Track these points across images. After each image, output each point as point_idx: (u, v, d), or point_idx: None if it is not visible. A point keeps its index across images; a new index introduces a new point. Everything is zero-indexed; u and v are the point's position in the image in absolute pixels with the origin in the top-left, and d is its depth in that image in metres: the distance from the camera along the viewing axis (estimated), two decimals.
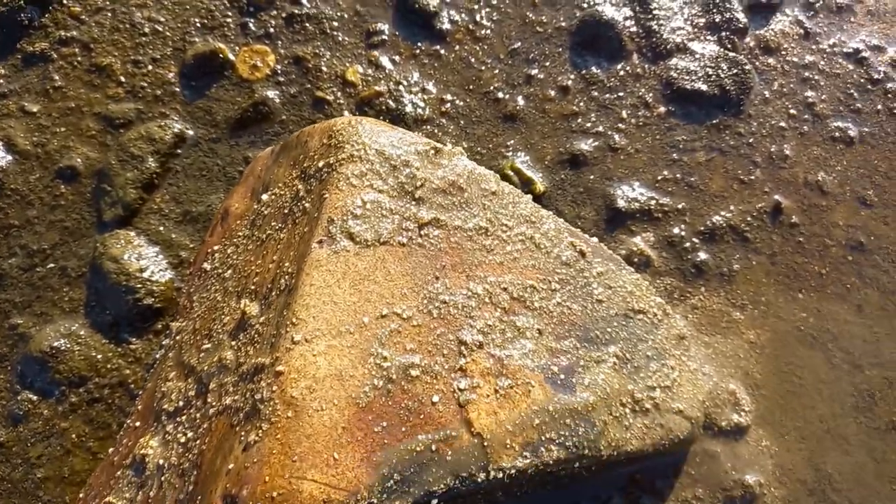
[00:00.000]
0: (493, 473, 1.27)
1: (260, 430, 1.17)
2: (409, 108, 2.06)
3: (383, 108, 2.07)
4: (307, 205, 1.44)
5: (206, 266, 1.69)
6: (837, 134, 2.08)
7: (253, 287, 1.45)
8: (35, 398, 1.77)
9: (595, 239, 1.71)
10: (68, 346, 1.81)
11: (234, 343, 1.39)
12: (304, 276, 1.30)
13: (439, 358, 1.34)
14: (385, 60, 2.13)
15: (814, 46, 2.20)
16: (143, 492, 1.34)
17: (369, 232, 1.39)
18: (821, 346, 1.83)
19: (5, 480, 1.69)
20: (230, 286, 1.54)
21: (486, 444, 1.27)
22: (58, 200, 1.95)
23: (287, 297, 1.31)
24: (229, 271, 1.57)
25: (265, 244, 1.51)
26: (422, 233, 1.44)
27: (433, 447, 1.23)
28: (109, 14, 2.16)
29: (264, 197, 1.63)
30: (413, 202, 1.46)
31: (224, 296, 1.53)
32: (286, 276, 1.35)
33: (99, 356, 1.80)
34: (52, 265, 1.90)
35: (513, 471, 1.29)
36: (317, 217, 1.37)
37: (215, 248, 1.71)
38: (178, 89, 2.08)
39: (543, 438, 1.35)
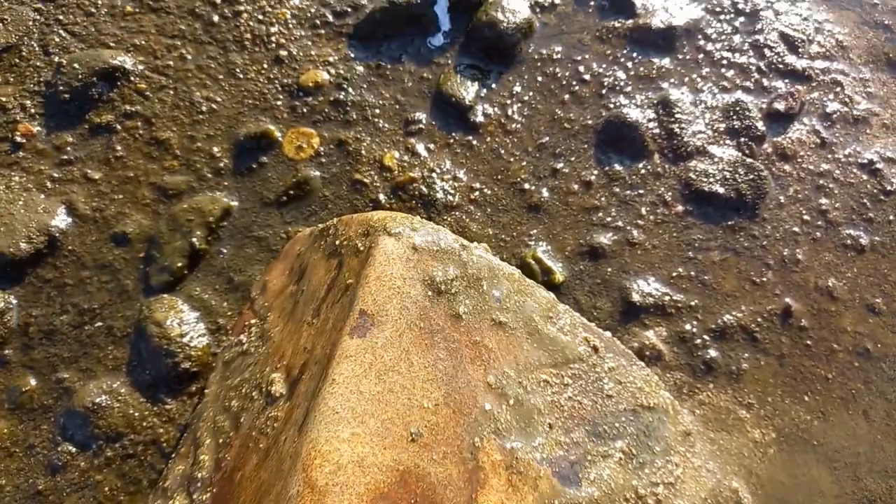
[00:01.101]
0: None
1: None
2: (440, 195, 2.20)
3: (416, 193, 2.21)
4: (341, 296, 1.56)
5: (243, 338, 1.82)
6: (849, 241, 2.16)
7: (285, 366, 1.57)
8: (74, 450, 1.89)
9: (608, 333, 1.81)
10: (109, 402, 1.93)
11: (262, 420, 1.50)
12: (334, 365, 1.42)
13: (454, 448, 1.43)
14: (420, 148, 2.29)
15: (829, 155, 2.30)
16: None
17: (397, 325, 1.50)
18: (824, 451, 1.88)
19: None
20: (264, 362, 1.66)
21: None
22: (110, 263, 2.10)
23: (318, 384, 1.42)
24: (263, 347, 1.70)
25: (300, 327, 1.64)
26: (445, 326, 1.55)
27: None
28: (171, 92, 2.36)
29: (302, 280, 1.76)
30: (438, 296, 1.58)
31: (257, 370, 1.65)
32: (316, 365, 1.47)
33: (136, 414, 1.92)
34: (99, 324, 2.04)
35: None
36: (349, 309, 1.50)
37: (252, 321, 1.84)
38: (228, 165, 2.25)
39: None
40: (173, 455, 1.78)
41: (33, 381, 1.96)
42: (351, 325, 1.47)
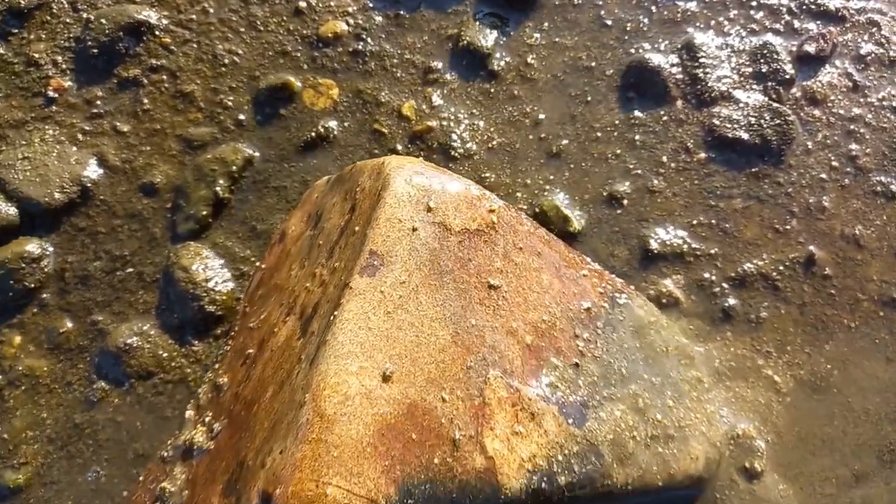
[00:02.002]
0: (502, 498, 1.38)
1: (295, 437, 1.33)
2: (457, 144, 2.20)
3: (434, 141, 2.22)
4: (353, 237, 1.60)
5: (265, 283, 1.88)
6: (879, 188, 2.10)
7: (299, 307, 1.62)
8: (108, 387, 2.00)
9: (621, 281, 1.81)
10: (140, 343, 2.03)
11: (277, 356, 1.57)
12: (344, 302, 1.46)
13: (460, 384, 1.46)
14: (439, 97, 2.28)
15: (861, 99, 2.22)
16: (191, 472, 1.53)
17: (406, 265, 1.53)
18: (844, 399, 1.86)
19: (77, 458, 1.92)
20: (280, 302, 1.72)
21: (497, 467, 1.39)
22: (139, 212, 2.18)
23: (328, 321, 1.46)
24: (283, 291, 1.75)
25: (313, 269, 1.68)
26: (454, 268, 1.58)
27: (448, 468, 1.36)
28: (195, 45, 2.40)
29: (318, 225, 1.81)
30: (449, 241, 1.60)
31: (274, 312, 1.71)
32: (329, 303, 1.51)
33: (165, 354, 2.01)
34: (130, 270, 2.13)
35: (522, 496, 1.40)
36: (360, 250, 1.53)
37: (271, 266, 1.90)
38: (249, 116, 2.29)
39: (553, 466, 1.46)
40: (197, 389, 1.87)
41: (70, 323, 2.07)
42: (361, 265, 1.51)
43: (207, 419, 1.63)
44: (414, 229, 1.58)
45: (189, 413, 1.73)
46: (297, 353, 1.52)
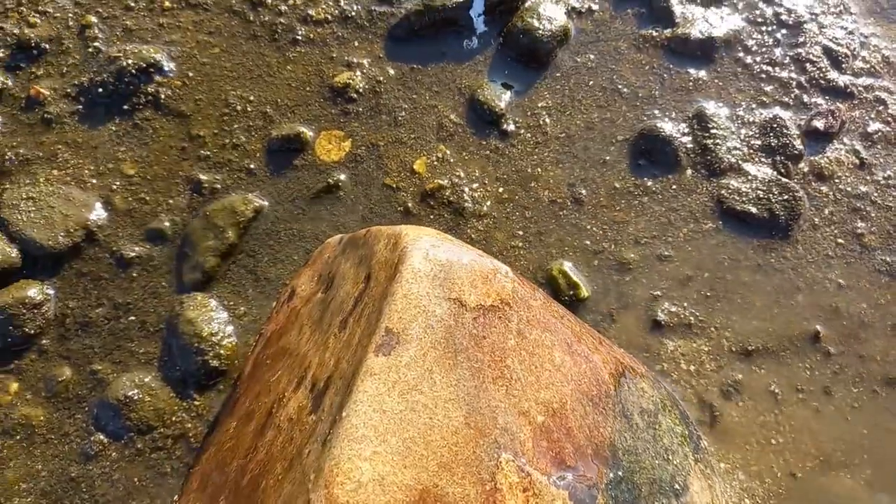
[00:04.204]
0: None
1: None
2: (468, 203, 2.20)
3: (445, 199, 2.22)
4: (368, 311, 1.59)
5: (272, 344, 1.86)
6: (883, 268, 2.12)
7: (311, 378, 1.61)
8: (106, 440, 1.96)
9: (630, 357, 1.81)
10: (140, 395, 2.00)
11: (287, 429, 1.55)
12: (358, 382, 1.45)
13: (472, 468, 1.45)
14: (451, 154, 2.29)
15: (868, 177, 2.25)
16: None
17: (421, 344, 1.52)
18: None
19: None
20: (290, 369, 1.70)
21: None
22: (145, 259, 2.16)
23: (342, 400, 1.45)
24: (292, 356, 1.74)
25: (326, 338, 1.67)
26: (469, 346, 1.57)
27: None
28: (206, 90, 2.39)
29: (330, 289, 1.79)
30: (464, 317, 1.59)
31: (284, 378, 1.70)
32: (341, 380, 1.50)
33: (165, 408, 1.98)
34: (133, 318, 2.10)
35: None
36: (375, 326, 1.52)
37: (280, 326, 1.88)
38: (260, 165, 2.28)
39: None
40: (199, 451, 1.84)
41: (69, 372, 2.03)
42: (376, 343, 1.50)
43: (210, 491, 1.60)
44: (430, 306, 1.57)
45: (193, 483, 1.71)
46: (308, 429, 1.50)
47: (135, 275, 2.14)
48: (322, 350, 1.66)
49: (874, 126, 2.32)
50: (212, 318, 2.07)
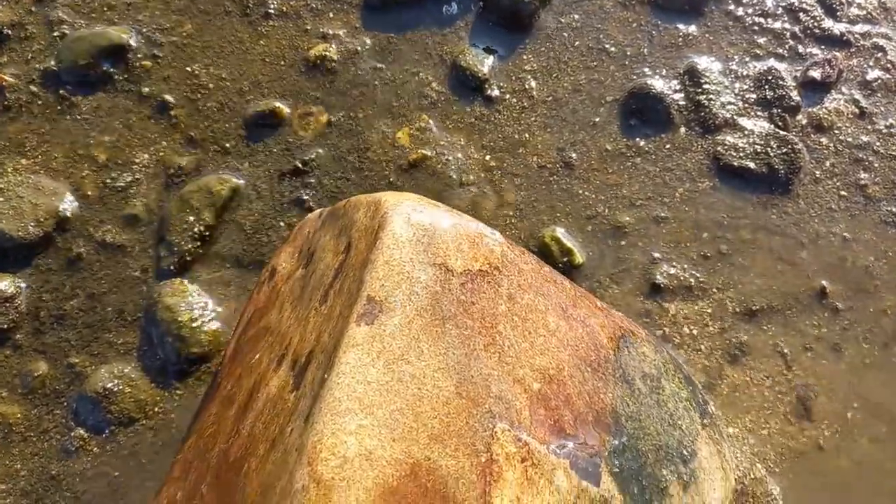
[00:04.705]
0: None
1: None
2: (454, 173, 2.11)
3: (430, 170, 2.13)
4: (349, 281, 1.50)
5: (253, 324, 1.77)
6: (890, 218, 2.03)
7: (292, 355, 1.52)
8: (86, 435, 1.88)
9: (629, 320, 1.72)
10: (120, 387, 1.91)
11: (268, 409, 1.46)
12: (340, 353, 1.36)
13: (466, 439, 1.37)
14: (435, 123, 2.20)
15: (869, 126, 2.16)
16: None
17: (406, 311, 1.43)
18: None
19: None
20: (271, 348, 1.61)
21: None
22: (119, 246, 2.06)
23: (323, 374, 1.36)
24: (273, 335, 1.65)
25: (307, 314, 1.58)
26: (457, 312, 1.48)
27: None
28: (178, 69, 2.29)
29: (310, 264, 1.70)
30: (451, 283, 1.50)
31: (265, 358, 1.61)
32: (323, 354, 1.41)
33: (147, 399, 1.90)
34: (109, 308, 2.01)
35: None
36: (356, 295, 1.43)
37: (261, 306, 1.79)
38: (236, 143, 2.19)
39: None
40: (182, 440, 1.75)
41: (45, 366, 1.95)
42: (358, 312, 1.41)
43: (192, 478, 1.52)
44: (414, 272, 1.48)
45: (175, 472, 1.62)
46: (290, 407, 1.41)
47: (110, 263, 2.05)
48: (303, 326, 1.57)
49: (873, 74, 2.23)
50: (191, 303, 1.98)
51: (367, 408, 1.32)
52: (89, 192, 2.13)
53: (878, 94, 2.21)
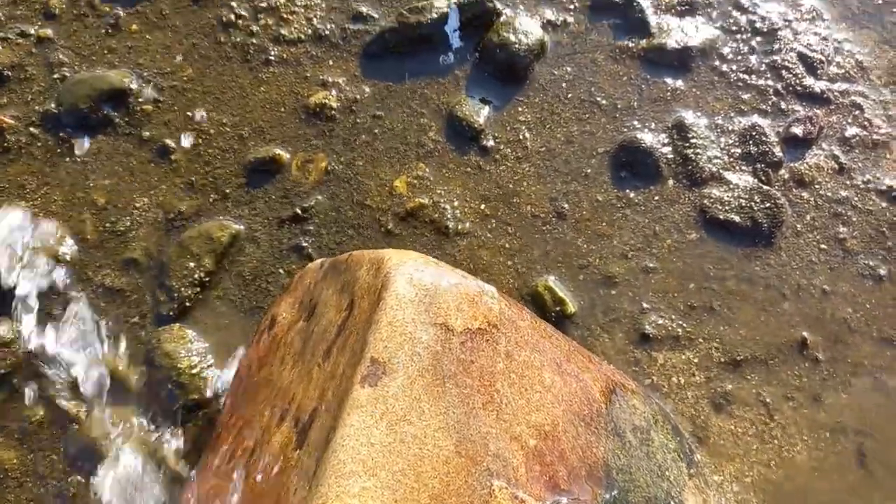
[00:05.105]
0: None
1: None
2: (450, 222, 2.17)
3: (426, 218, 2.18)
4: (352, 340, 1.54)
5: (253, 375, 1.80)
6: (867, 272, 2.12)
7: (295, 412, 1.55)
8: (84, 481, 1.89)
9: (620, 373, 1.78)
10: (118, 433, 1.93)
11: (271, 467, 1.49)
12: (344, 415, 1.40)
13: (465, 499, 1.41)
14: (431, 172, 2.25)
15: (847, 182, 2.26)
16: None
17: (408, 372, 1.48)
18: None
19: None
20: (273, 403, 1.65)
21: None
22: (118, 291, 2.09)
23: (328, 434, 1.40)
24: (274, 389, 1.68)
25: (310, 369, 1.62)
26: (457, 372, 1.53)
27: None
28: (178, 114, 2.33)
29: (312, 318, 1.75)
30: (451, 343, 1.55)
31: (267, 412, 1.64)
32: (327, 413, 1.45)
33: (145, 446, 1.92)
34: (107, 352, 2.03)
35: None
36: (360, 355, 1.48)
37: (261, 356, 1.83)
38: (235, 189, 2.23)
39: None
40: (180, 495, 1.78)
41: (42, 411, 1.96)
42: (362, 374, 1.45)
43: None
44: (416, 333, 1.53)
45: None
46: (293, 466, 1.45)
47: (108, 307, 2.08)
48: (306, 381, 1.61)
49: (851, 130, 2.33)
50: (190, 349, 2.00)
51: (371, 469, 1.36)
52: (89, 236, 2.16)
53: (856, 151, 2.31)
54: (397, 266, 1.61)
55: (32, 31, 2.43)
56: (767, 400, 1.95)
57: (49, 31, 2.44)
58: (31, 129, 2.29)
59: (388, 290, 1.57)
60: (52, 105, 2.31)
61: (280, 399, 1.65)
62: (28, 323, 1.99)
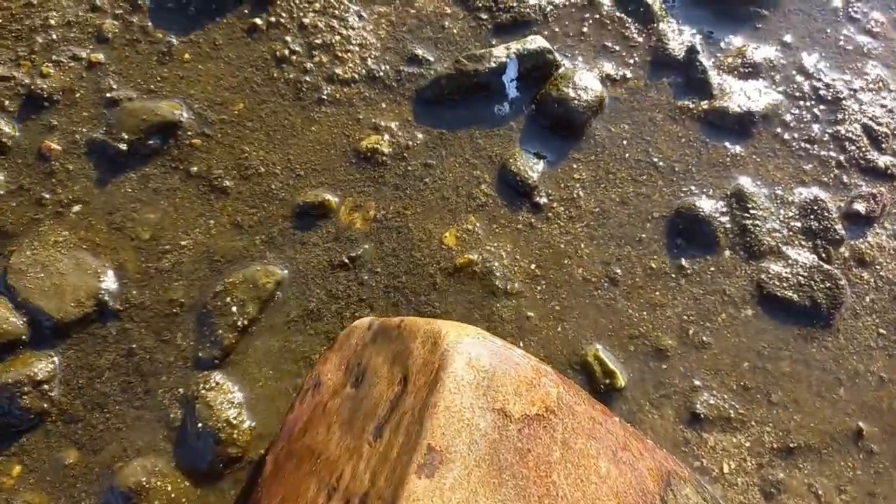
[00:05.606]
0: None
1: None
2: (499, 281, 2.12)
3: (475, 275, 2.13)
4: (407, 422, 1.49)
5: (296, 438, 1.75)
6: None
7: (343, 492, 1.50)
8: None
9: (673, 459, 1.73)
10: (152, 483, 1.88)
11: None
12: None
13: None
14: (481, 226, 2.20)
15: None
16: None
17: (466, 462, 1.43)
18: None
19: None
20: (319, 476, 1.60)
21: None
22: (158, 333, 2.05)
23: None
24: (320, 459, 1.63)
25: (359, 445, 1.57)
26: (514, 462, 1.48)
27: None
28: (227, 151, 2.29)
29: (361, 385, 1.70)
30: (509, 430, 1.50)
31: (313, 486, 1.59)
32: (380, 500, 1.40)
33: (181, 498, 1.87)
34: (145, 398, 1.99)
35: None
36: (416, 442, 1.43)
37: (305, 420, 1.78)
38: (282, 233, 2.18)
39: None
40: None
41: (75, 455, 1.92)
42: (418, 463, 1.40)
43: None
44: (474, 419, 1.48)
45: None
46: None
47: (148, 350, 2.03)
48: (355, 459, 1.55)
49: None
50: (230, 400, 1.96)
51: None
52: (131, 272, 2.12)
53: None
54: (455, 344, 1.56)
55: (84, 55, 2.39)
56: (820, 492, 1.89)
57: (101, 56, 2.40)
58: (77, 156, 2.25)
59: (445, 371, 1.52)
60: (101, 133, 2.27)
61: (326, 473, 1.60)
62: None
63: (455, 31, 2.53)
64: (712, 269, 2.17)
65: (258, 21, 2.50)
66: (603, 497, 1.56)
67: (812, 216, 2.20)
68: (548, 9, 2.59)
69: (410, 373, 1.59)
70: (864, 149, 2.33)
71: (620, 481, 1.62)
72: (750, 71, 2.46)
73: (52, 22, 2.44)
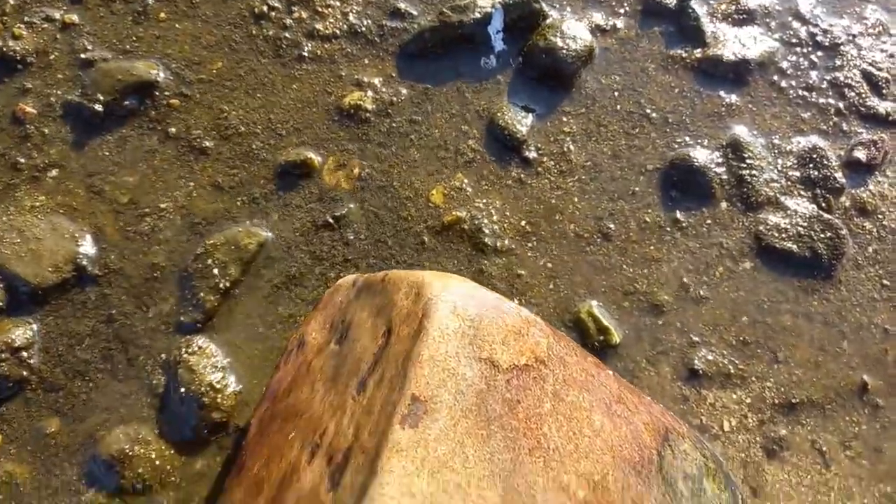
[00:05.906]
0: None
1: None
2: (488, 238, 2.05)
3: (463, 233, 2.06)
4: (390, 373, 1.43)
5: (280, 399, 1.70)
6: None
7: (327, 448, 1.45)
8: (98, 499, 1.80)
9: (671, 415, 1.67)
10: (136, 450, 1.83)
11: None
12: (383, 460, 1.29)
13: None
14: (469, 183, 2.13)
15: None
16: None
17: (451, 412, 1.37)
18: None
19: None
20: (303, 434, 1.55)
21: None
22: (139, 297, 1.99)
23: (364, 479, 1.30)
24: (303, 417, 1.58)
25: (343, 400, 1.51)
26: (502, 413, 1.42)
27: None
28: (206, 110, 2.21)
29: (344, 341, 1.64)
30: (496, 380, 1.44)
31: (296, 444, 1.54)
32: (363, 454, 1.34)
33: (165, 465, 1.82)
34: (127, 364, 1.93)
35: None
36: (399, 392, 1.37)
37: (289, 380, 1.72)
38: (264, 193, 2.11)
39: None
40: None
41: (57, 423, 1.87)
42: (401, 413, 1.34)
43: None
44: (459, 368, 1.42)
45: None
46: None
47: (129, 315, 1.97)
48: (339, 414, 1.50)
49: None
50: (213, 364, 1.90)
51: None
52: (110, 236, 2.05)
53: None
54: (439, 293, 1.50)
55: (58, 16, 2.31)
56: (824, 448, 1.83)
57: (75, 17, 2.32)
58: (52, 119, 2.18)
59: (429, 320, 1.45)
60: (76, 95, 2.20)
61: (310, 430, 1.54)
62: None
63: None
64: (708, 221, 2.10)
65: None
66: (597, 450, 1.51)
67: (811, 165, 2.13)
68: None
69: (394, 325, 1.53)
70: (863, 95, 2.25)
71: (615, 435, 1.56)
72: (744, 18, 2.38)
73: None
